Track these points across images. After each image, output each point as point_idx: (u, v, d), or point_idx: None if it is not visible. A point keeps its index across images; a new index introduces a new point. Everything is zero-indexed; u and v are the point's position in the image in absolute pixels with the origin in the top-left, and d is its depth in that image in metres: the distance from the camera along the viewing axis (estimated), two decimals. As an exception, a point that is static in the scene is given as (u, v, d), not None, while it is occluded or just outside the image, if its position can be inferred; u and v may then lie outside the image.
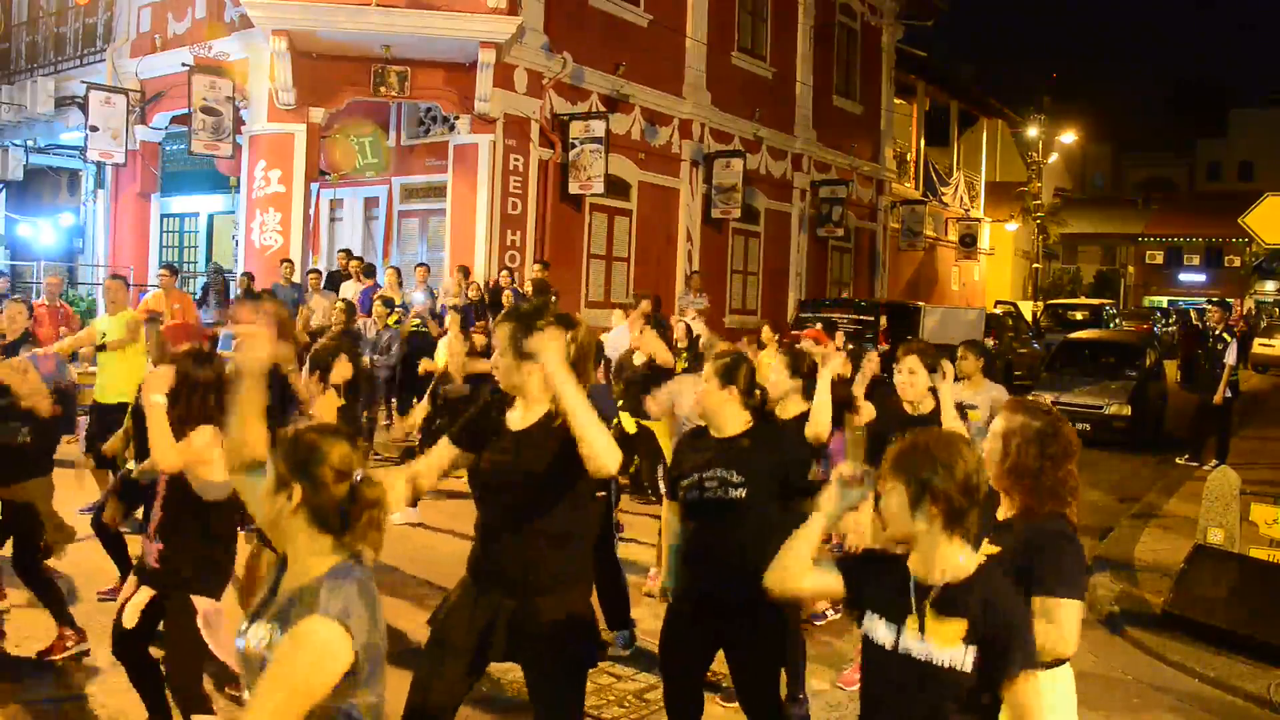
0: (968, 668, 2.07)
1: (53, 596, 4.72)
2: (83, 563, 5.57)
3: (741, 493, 3.24)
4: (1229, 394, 11.07)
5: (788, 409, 4.37)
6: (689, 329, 9.38)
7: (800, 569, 2.36)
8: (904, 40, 23.47)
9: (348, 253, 12.83)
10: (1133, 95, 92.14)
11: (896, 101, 24.27)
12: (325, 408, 4.11)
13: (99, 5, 15.09)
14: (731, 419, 3.38)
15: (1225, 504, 6.45)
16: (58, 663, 4.59)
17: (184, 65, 12.55)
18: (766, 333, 9.29)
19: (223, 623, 3.49)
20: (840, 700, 4.52)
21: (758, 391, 3.47)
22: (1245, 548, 6.16)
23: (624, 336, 8.66)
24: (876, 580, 2.27)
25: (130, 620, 3.55)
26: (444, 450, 3.02)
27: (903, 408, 4.57)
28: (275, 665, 1.89)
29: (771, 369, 4.46)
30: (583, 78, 14.03)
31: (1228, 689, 4.90)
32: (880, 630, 2.21)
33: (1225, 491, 6.47)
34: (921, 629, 2.13)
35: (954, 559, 2.15)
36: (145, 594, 3.56)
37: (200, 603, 3.48)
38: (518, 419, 2.91)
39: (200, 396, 3.59)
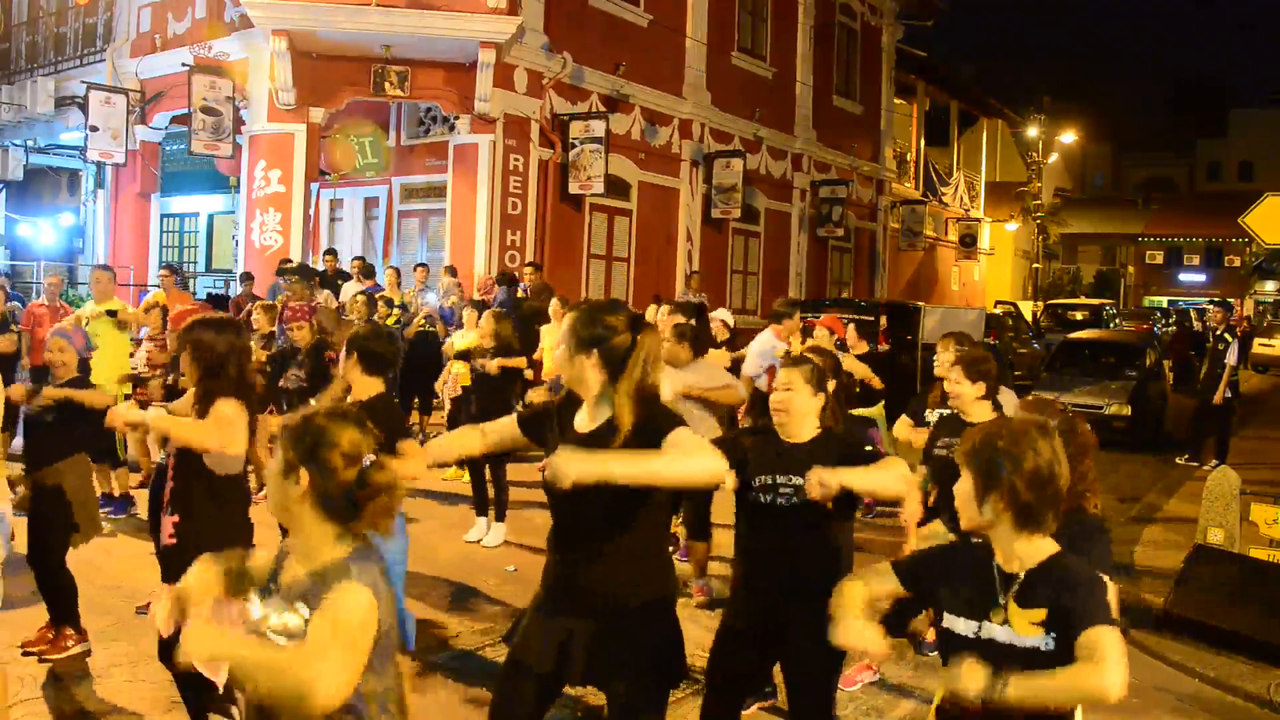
0: (1052, 648, 2.08)
1: (66, 594, 4.64)
2: (87, 560, 5.57)
3: (813, 502, 3.13)
4: (1229, 394, 11.07)
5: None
6: (726, 325, 9.35)
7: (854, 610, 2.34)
8: (904, 40, 23.48)
9: (334, 254, 12.80)
10: (1133, 95, 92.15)
11: (896, 101, 24.27)
12: (364, 390, 4.03)
13: (99, 5, 15.09)
14: (810, 426, 3.32)
15: (1225, 504, 6.45)
16: (55, 663, 4.59)
17: (184, 65, 12.55)
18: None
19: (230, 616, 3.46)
20: (839, 698, 4.52)
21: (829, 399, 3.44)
22: (1245, 548, 6.16)
23: (770, 348, 7.79)
24: (946, 577, 2.26)
25: (165, 629, 3.47)
26: (509, 425, 2.92)
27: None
28: (327, 623, 1.86)
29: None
30: (583, 78, 14.03)
31: (1228, 689, 4.90)
32: (960, 625, 2.21)
33: (1225, 491, 6.47)
34: (1006, 620, 2.13)
35: (1028, 550, 2.15)
36: (169, 597, 3.51)
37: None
38: (584, 420, 2.74)
39: (220, 366, 3.49)
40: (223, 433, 3.40)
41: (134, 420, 3.65)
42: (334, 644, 1.84)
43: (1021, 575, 2.15)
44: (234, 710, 3.46)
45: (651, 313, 9.18)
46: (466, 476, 7.53)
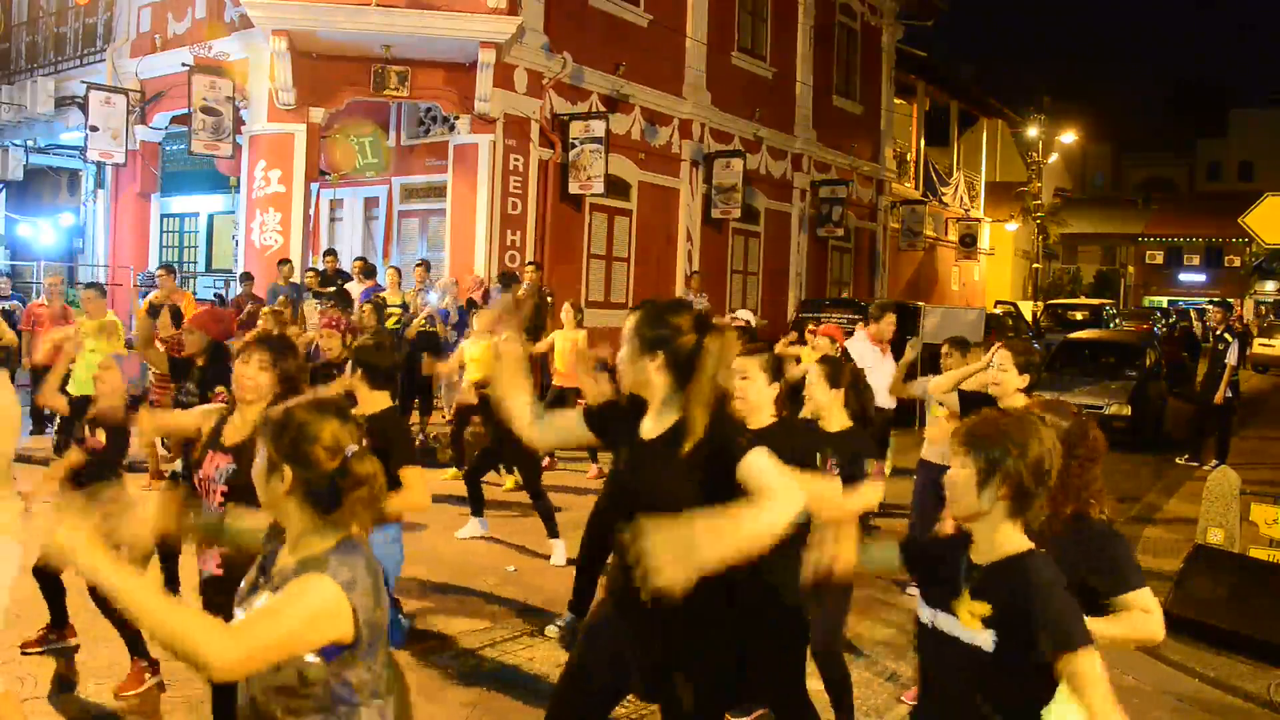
0: (989, 648, 2.06)
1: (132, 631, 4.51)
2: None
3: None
4: (1229, 394, 11.08)
5: (831, 423, 4.00)
6: (748, 324, 9.34)
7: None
8: (904, 40, 23.48)
9: (334, 254, 12.80)
10: (1133, 95, 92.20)
11: (896, 101, 24.27)
12: (371, 404, 3.93)
13: (99, 5, 15.09)
14: (765, 416, 3.36)
15: (1225, 504, 6.45)
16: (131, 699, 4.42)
17: (184, 65, 12.55)
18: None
19: None
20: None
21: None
22: (1245, 548, 6.16)
23: (867, 352, 7.46)
24: (935, 564, 2.27)
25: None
26: (575, 420, 2.80)
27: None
28: (270, 603, 1.87)
29: (811, 382, 4.10)
30: (583, 78, 14.03)
31: (1228, 689, 4.90)
32: (924, 612, 2.23)
33: (1225, 491, 6.48)
34: (953, 608, 2.14)
35: (1005, 542, 2.13)
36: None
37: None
38: (649, 426, 2.63)
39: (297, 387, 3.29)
40: None
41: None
42: (258, 624, 1.83)
43: (985, 566, 2.14)
44: None
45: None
46: (511, 485, 7.56)
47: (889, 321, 7.47)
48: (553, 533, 6.65)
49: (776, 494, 2.33)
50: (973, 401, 4.79)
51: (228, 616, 3.22)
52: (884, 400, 6.39)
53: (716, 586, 2.51)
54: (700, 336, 2.59)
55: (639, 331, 2.62)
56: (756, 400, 3.32)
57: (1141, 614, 2.46)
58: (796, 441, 3.27)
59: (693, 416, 2.54)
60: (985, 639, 2.07)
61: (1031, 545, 2.16)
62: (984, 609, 2.08)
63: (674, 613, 2.47)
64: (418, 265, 12.08)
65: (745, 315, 9.70)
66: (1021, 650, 2.02)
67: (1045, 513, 2.18)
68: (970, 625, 2.09)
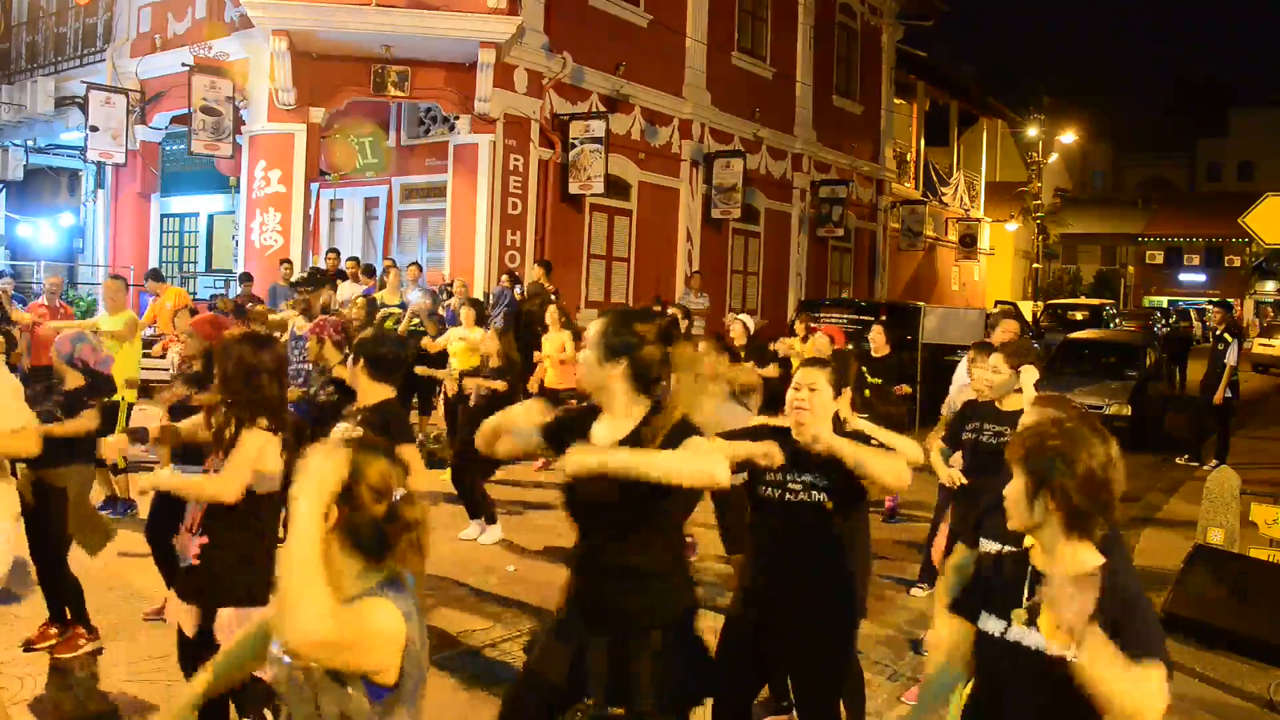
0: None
1: (71, 593, 4.66)
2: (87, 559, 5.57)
3: (824, 497, 3.14)
4: (1229, 394, 11.08)
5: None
6: (746, 327, 9.33)
7: None
8: (904, 40, 23.47)
9: (336, 253, 12.81)
10: (1133, 95, 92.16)
11: (896, 101, 24.26)
12: (372, 396, 3.92)
13: (99, 5, 15.09)
14: (826, 427, 3.25)
15: (1225, 504, 6.45)
16: (62, 662, 4.58)
17: (184, 65, 12.55)
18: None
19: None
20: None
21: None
22: (1245, 548, 6.16)
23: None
24: (986, 582, 2.23)
25: (190, 630, 3.40)
26: (530, 433, 2.81)
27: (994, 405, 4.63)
28: (348, 625, 1.76)
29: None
30: (583, 78, 14.03)
31: (1228, 689, 4.90)
32: (990, 623, 2.18)
33: (1225, 491, 6.47)
34: (1033, 620, 2.09)
35: (1074, 557, 2.10)
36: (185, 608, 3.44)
37: (226, 614, 3.31)
38: (603, 433, 2.65)
39: (258, 383, 3.40)
40: (241, 476, 3.31)
41: (147, 486, 3.59)
42: (344, 615, 1.76)
43: (1060, 579, 2.07)
44: (266, 713, 3.42)
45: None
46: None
47: (1005, 328, 6.65)
48: (490, 519, 7.06)
49: (698, 453, 2.47)
50: (974, 405, 4.79)
51: (205, 606, 3.32)
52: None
53: (675, 586, 2.64)
54: (664, 347, 2.62)
55: (604, 338, 2.64)
56: (821, 410, 3.26)
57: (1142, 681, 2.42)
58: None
59: (652, 425, 2.57)
60: (1074, 652, 2.01)
61: (1104, 559, 2.12)
62: None
63: (631, 614, 2.56)
64: (410, 266, 12.09)
65: (744, 319, 9.67)
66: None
67: (1105, 525, 2.13)
68: (1054, 637, 2.05)
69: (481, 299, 11.62)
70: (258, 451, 3.34)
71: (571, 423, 2.78)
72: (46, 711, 4.19)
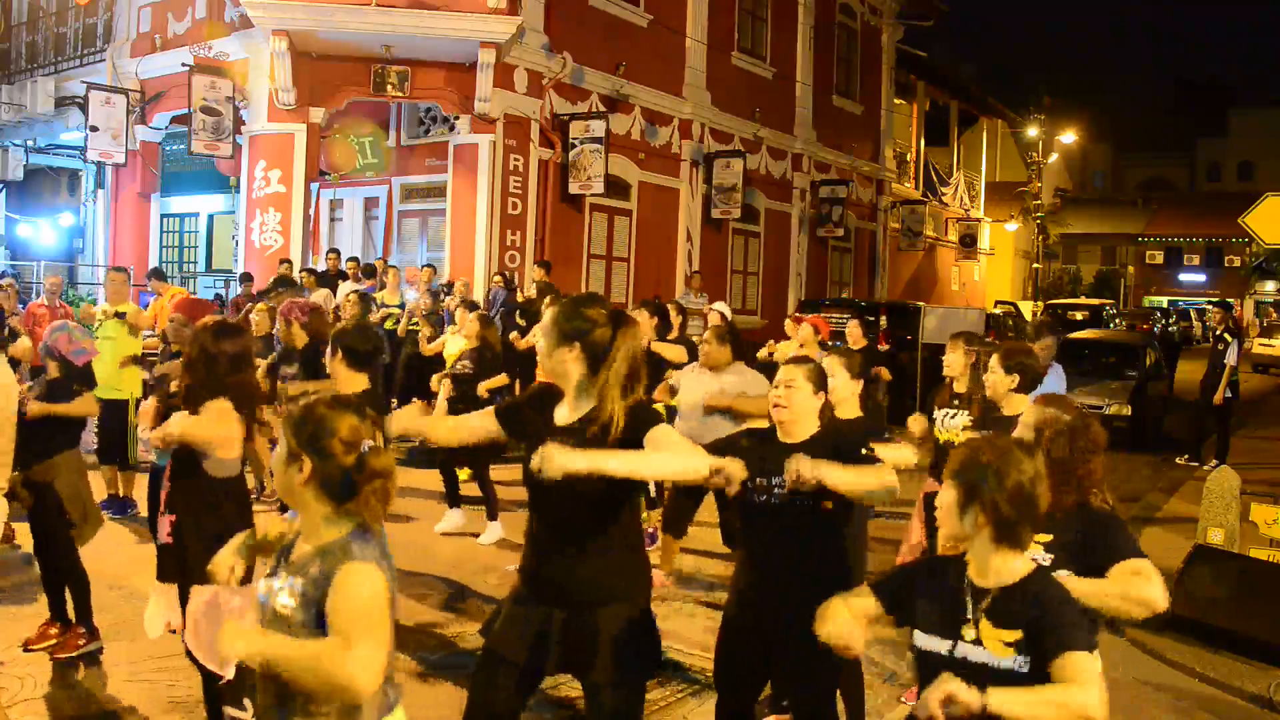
0: (1025, 670, 2.10)
1: (76, 590, 4.67)
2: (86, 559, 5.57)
3: (809, 501, 3.12)
4: (1229, 394, 11.09)
5: (843, 413, 4.15)
6: (723, 317, 9.35)
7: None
8: (904, 40, 23.48)
9: (337, 253, 12.81)
10: (1133, 95, 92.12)
11: (896, 101, 24.27)
12: (349, 385, 4.01)
13: (99, 5, 15.09)
14: (810, 425, 3.28)
15: (1225, 504, 6.45)
16: (62, 661, 4.58)
17: (184, 65, 12.55)
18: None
19: (218, 617, 3.42)
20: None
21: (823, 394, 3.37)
22: (1245, 548, 6.15)
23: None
24: (924, 593, 2.28)
25: (171, 611, 3.51)
26: (486, 418, 2.96)
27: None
28: (348, 609, 1.94)
29: (831, 372, 4.06)
30: (583, 78, 14.03)
31: (1228, 689, 4.90)
32: (934, 643, 2.23)
33: (1225, 491, 6.47)
34: (978, 638, 2.15)
35: (1005, 565, 2.18)
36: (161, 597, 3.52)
37: (199, 591, 3.34)
38: (563, 414, 2.78)
39: (217, 369, 3.55)
40: (216, 426, 3.47)
41: (157, 440, 3.66)
42: (359, 629, 1.92)
43: (995, 591, 2.16)
44: (247, 703, 3.46)
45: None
46: (465, 476, 7.55)
47: (1045, 346, 6.34)
48: (492, 515, 7.08)
49: (676, 449, 2.61)
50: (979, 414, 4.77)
51: (181, 584, 3.39)
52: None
53: (630, 563, 2.75)
54: (614, 329, 2.74)
55: (557, 324, 2.76)
56: (800, 408, 3.28)
57: (1134, 576, 2.48)
58: (837, 447, 3.22)
59: (606, 402, 2.69)
60: (1020, 663, 2.10)
61: (1037, 564, 2.22)
62: (1013, 635, 2.11)
63: (588, 588, 2.68)
64: (407, 268, 12.09)
65: (720, 308, 9.67)
66: (1049, 659, 2.06)
67: (1030, 535, 2.21)
68: (1003, 653, 2.11)
69: (481, 301, 11.63)
70: (218, 412, 3.48)
71: (531, 405, 2.90)
72: (46, 712, 4.19)
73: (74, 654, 4.63)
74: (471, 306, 9.55)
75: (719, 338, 5.75)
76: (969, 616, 2.18)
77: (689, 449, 2.67)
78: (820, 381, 3.30)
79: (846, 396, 4.05)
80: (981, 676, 2.10)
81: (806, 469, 2.94)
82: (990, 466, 2.15)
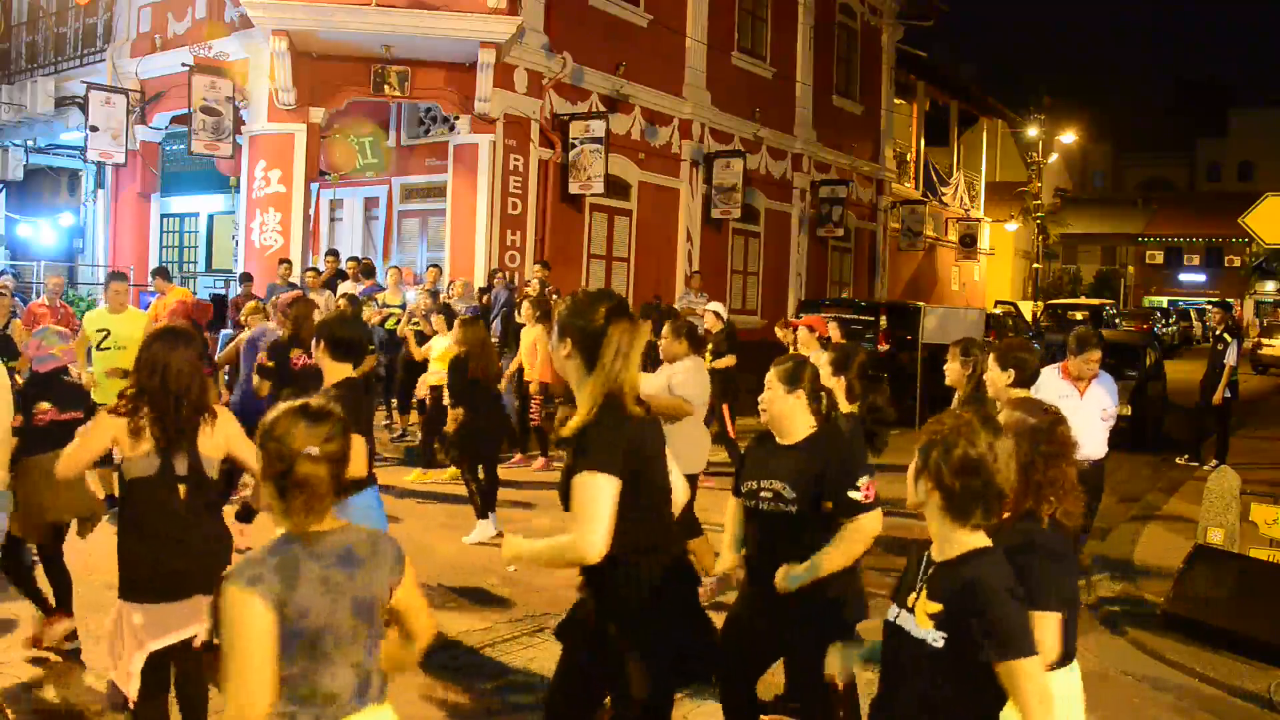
0: (940, 647, 2.12)
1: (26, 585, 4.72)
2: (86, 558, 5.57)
3: (794, 508, 3.14)
4: (1228, 394, 11.08)
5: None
6: (718, 317, 9.36)
7: None
8: (904, 40, 23.47)
9: (335, 254, 12.80)
10: (1133, 95, 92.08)
11: (896, 101, 24.27)
12: (333, 375, 4.04)
13: (99, 5, 15.08)
14: (799, 425, 3.26)
15: (1225, 504, 6.45)
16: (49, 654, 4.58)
17: (184, 65, 12.54)
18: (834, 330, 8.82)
19: (128, 637, 3.24)
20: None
21: (824, 394, 3.33)
22: (1245, 548, 6.15)
23: (1060, 387, 5.91)
24: (906, 569, 2.34)
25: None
26: None
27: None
28: (223, 633, 1.98)
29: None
30: (583, 78, 14.03)
31: (1228, 689, 4.90)
32: (891, 610, 2.30)
33: (1225, 491, 6.47)
34: (911, 607, 2.20)
35: (950, 539, 2.19)
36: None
37: (116, 606, 3.32)
38: (570, 421, 2.70)
39: (161, 375, 3.37)
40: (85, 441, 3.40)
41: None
42: (229, 664, 1.94)
43: (938, 563, 2.19)
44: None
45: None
46: (448, 477, 7.60)
47: (1091, 360, 5.88)
48: (481, 514, 6.98)
49: (578, 531, 2.46)
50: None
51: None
52: (1082, 449, 5.51)
53: (628, 573, 2.60)
54: (606, 323, 2.59)
55: (558, 320, 2.68)
56: (778, 411, 3.26)
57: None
58: (831, 455, 3.20)
59: (581, 399, 2.59)
60: (935, 638, 2.12)
61: (987, 544, 2.18)
62: (935, 607, 2.13)
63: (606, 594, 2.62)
64: (431, 267, 12.08)
65: (715, 308, 9.67)
66: (970, 650, 2.07)
67: (985, 515, 2.18)
68: (924, 624, 2.14)
69: (478, 302, 11.63)
70: (96, 427, 3.38)
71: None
72: (45, 711, 4.19)
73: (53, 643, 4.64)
74: (446, 311, 9.55)
75: (674, 331, 5.72)
76: (915, 585, 2.22)
77: (585, 519, 2.45)
78: (792, 379, 3.26)
79: (784, 414, 3.88)
80: (905, 645, 2.18)
81: (782, 583, 3.08)
82: (941, 437, 2.16)
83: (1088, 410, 5.63)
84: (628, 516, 2.50)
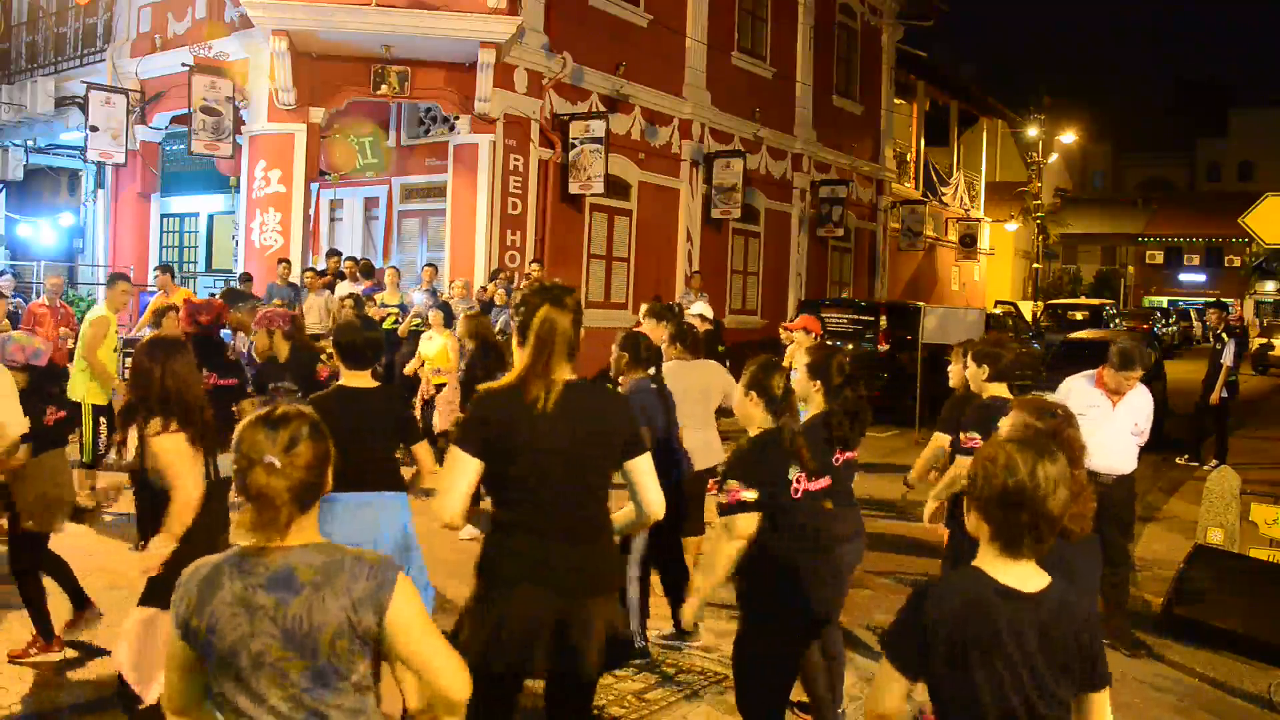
0: None
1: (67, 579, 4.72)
2: (86, 558, 5.57)
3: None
4: (1226, 394, 11.08)
5: (814, 408, 4.06)
6: (703, 319, 9.35)
7: None
8: (904, 40, 23.47)
9: (337, 254, 12.81)
10: (1133, 95, 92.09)
11: (896, 101, 24.26)
12: (353, 384, 4.07)
13: (99, 5, 15.08)
14: (753, 427, 3.38)
15: (1225, 504, 6.45)
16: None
17: (184, 65, 12.54)
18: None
19: (152, 640, 3.26)
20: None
21: (786, 397, 3.39)
22: (1245, 548, 6.16)
23: (1091, 397, 5.49)
24: None
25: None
26: None
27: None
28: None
29: (794, 369, 4.10)
30: (583, 78, 14.03)
31: (1228, 689, 4.91)
32: None
33: (1225, 491, 6.48)
34: None
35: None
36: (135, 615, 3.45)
37: (140, 611, 3.35)
38: None
39: (150, 383, 3.47)
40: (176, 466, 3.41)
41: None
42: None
43: None
44: None
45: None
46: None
47: (1130, 378, 5.31)
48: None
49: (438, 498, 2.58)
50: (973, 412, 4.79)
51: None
52: (1107, 461, 5.15)
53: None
54: (538, 306, 2.59)
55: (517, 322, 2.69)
56: (738, 413, 3.46)
57: None
58: (768, 455, 3.29)
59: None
60: None
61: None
62: None
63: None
64: (426, 266, 12.07)
65: (700, 309, 9.57)
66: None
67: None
68: None
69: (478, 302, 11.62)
70: (179, 458, 3.43)
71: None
72: (44, 711, 4.19)
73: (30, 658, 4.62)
74: (444, 308, 9.57)
75: (668, 334, 5.81)
76: None
77: (444, 488, 2.58)
78: (749, 382, 3.39)
79: (809, 393, 3.92)
80: None
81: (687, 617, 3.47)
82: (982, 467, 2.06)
83: (1119, 424, 5.36)
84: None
